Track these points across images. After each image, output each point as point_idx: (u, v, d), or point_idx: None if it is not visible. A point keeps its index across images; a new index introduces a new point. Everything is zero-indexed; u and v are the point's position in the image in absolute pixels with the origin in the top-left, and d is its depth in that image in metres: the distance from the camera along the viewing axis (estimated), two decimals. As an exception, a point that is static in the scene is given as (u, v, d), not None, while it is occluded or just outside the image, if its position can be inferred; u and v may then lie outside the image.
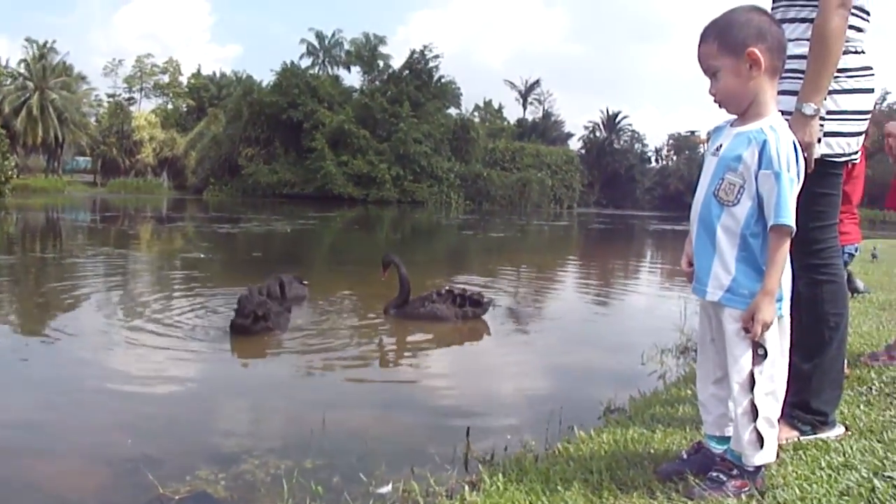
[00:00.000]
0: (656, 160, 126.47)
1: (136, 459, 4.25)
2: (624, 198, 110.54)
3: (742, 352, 2.93)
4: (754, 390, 2.91)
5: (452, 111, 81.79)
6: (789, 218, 2.80)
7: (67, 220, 31.48)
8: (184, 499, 3.76)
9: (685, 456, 3.30)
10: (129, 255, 16.98)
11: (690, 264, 3.18)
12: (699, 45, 3.03)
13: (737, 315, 2.93)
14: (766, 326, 2.83)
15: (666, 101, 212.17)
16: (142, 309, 8.91)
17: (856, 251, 6.13)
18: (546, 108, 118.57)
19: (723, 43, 2.95)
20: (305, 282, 10.14)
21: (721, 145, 3.04)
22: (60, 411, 5.31)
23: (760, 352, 2.89)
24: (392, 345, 7.92)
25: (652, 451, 3.62)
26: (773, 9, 3.74)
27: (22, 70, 77.63)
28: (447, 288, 9.09)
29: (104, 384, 5.97)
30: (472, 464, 4.14)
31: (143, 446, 4.57)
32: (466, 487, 3.43)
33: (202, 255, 17.14)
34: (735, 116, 3.06)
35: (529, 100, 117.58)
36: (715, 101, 3.05)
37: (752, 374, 2.91)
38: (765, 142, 2.86)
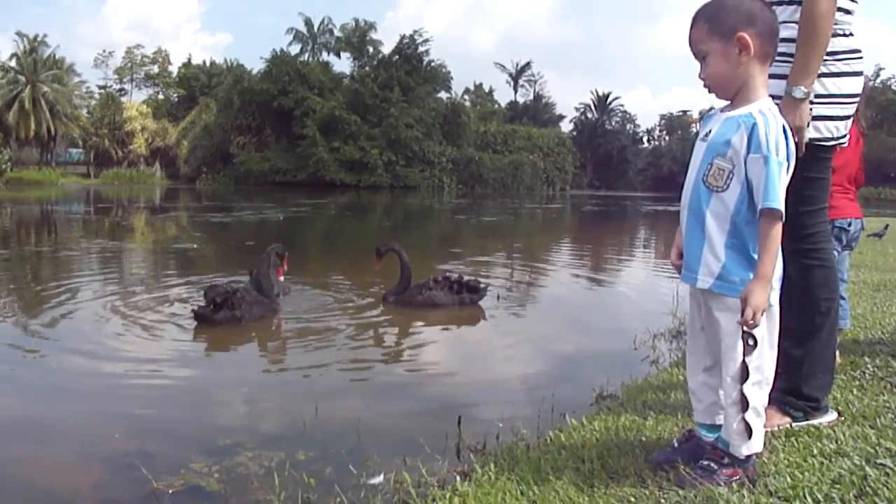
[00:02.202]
0: (648, 141, 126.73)
1: (130, 454, 4.22)
2: (616, 179, 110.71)
3: (733, 341, 2.91)
4: (746, 381, 2.90)
5: (443, 95, 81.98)
6: (778, 202, 2.78)
7: (61, 213, 31.43)
8: (177, 493, 3.74)
9: (676, 444, 3.29)
10: (122, 247, 16.94)
11: (681, 256, 3.16)
12: (690, 29, 3.01)
13: (727, 303, 2.92)
14: (759, 313, 2.81)
15: (658, 82, 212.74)
16: (134, 302, 8.88)
17: (849, 226, 5.71)
18: (537, 90, 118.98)
19: (713, 27, 2.93)
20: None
21: (710, 130, 3.02)
22: (53, 407, 5.28)
23: (751, 342, 2.87)
24: (387, 333, 7.88)
25: (643, 438, 3.62)
26: None
27: (13, 64, 77.64)
28: (445, 275, 9.07)
29: (97, 379, 5.95)
30: (464, 453, 4.12)
31: (136, 441, 4.55)
32: (458, 477, 3.43)
33: (195, 245, 17.11)
34: (726, 102, 3.05)
35: (520, 82, 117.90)
36: (704, 85, 3.03)
37: (744, 365, 2.89)
38: (754, 125, 2.84)
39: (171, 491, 3.75)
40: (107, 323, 7.68)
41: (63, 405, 5.34)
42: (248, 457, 4.18)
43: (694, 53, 3.03)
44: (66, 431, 4.83)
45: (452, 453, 4.17)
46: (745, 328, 2.85)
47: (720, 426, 3.08)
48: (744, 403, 2.91)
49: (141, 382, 5.86)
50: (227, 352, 7.06)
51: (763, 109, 2.90)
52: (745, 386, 2.90)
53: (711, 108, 3.15)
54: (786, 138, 2.87)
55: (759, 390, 2.95)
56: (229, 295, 7.61)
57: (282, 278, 9.41)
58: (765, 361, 2.96)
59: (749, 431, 2.94)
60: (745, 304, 2.80)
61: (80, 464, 4.30)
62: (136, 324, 7.61)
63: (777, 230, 2.83)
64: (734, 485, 2.94)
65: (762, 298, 2.80)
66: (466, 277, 9.06)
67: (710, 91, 3.05)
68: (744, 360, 2.90)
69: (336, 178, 69.45)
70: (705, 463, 3.04)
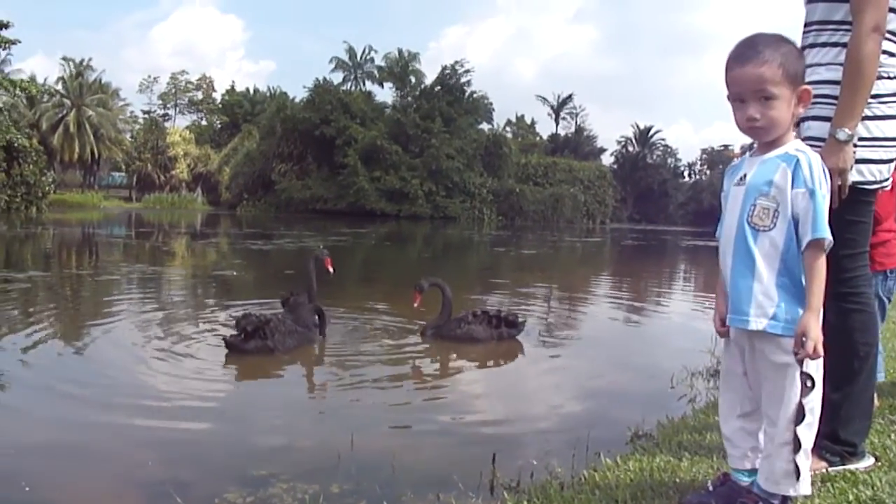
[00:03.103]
0: (689, 175, 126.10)
1: (165, 482, 4.25)
2: (657, 213, 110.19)
3: (789, 383, 2.88)
4: (801, 422, 2.87)
5: (485, 126, 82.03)
6: (826, 231, 2.78)
7: (103, 236, 31.75)
8: (211, 523, 3.77)
9: (711, 487, 3.26)
10: (162, 272, 17.12)
11: (724, 323, 3.13)
12: (756, 64, 2.91)
13: (782, 344, 2.88)
14: (819, 345, 2.79)
15: (699, 117, 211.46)
16: (172, 328, 8.97)
17: None
18: (578, 123, 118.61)
19: (786, 71, 2.89)
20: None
21: (745, 175, 3.02)
22: (90, 432, 5.33)
23: (809, 383, 2.85)
24: (423, 367, 7.88)
25: (678, 480, 3.60)
26: (804, 33, 3.72)
27: (59, 88, 78.60)
28: (483, 309, 9.07)
29: (133, 404, 5.98)
30: (498, 490, 4.10)
31: (170, 469, 4.59)
32: (491, 516, 3.43)
33: (234, 273, 17.23)
34: (750, 149, 3.04)
35: (562, 115, 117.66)
36: (753, 124, 2.95)
37: (800, 406, 2.86)
38: (797, 162, 2.84)
39: (205, 521, 3.77)
40: (142, 349, 7.74)
41: (97, 432, 5.37)
42: (283, 488, 4.19)
43: (751, 89, 2.92)
44: (100, 458, 4.88)
45: (486, 490, 4.16)
46: (802, 368, 2.84)
47: (756, 470, 3.06)
48: (796, 444, 2.88)
49: (175, 411, 5.89)
50: (263, 382, 7.11)
51: (799, 147, 2.92)
52: (799, 427, 2.87)
53: (753, 145, 3.12)
54: (824, 175, 2.88)
55: (810, 432, 2.92)
56: (261, 324, 7.62)
57: (330, 269, 9.55)
58: (817, 402, 2.94)
59: (797, 472, 2.91)
60: (802, 338, 2.79)
61: (115, 490, 4.35)
62: (172, 351, 7.69)
63: (823, 261, 2.84)
64: (768, 530, 2.91)
65: (818, 330, 2.79)
66: (504, 312, 9.05)
67: (753, 131, 2.98)
68: (800, 402, 2.86)
69: (376, 208, 69.62)
70: (739, 508, 3.01)
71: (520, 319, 9.06)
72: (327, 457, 4.77)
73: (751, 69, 2.91)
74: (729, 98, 3.02)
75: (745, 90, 2.94)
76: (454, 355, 8.21)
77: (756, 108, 2.93)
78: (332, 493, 4.13)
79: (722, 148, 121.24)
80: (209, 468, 4.72)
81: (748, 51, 2.94)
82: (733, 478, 3.17)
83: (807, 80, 3.17)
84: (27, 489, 4.16)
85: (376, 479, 4.35)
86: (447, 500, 3.85)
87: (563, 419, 5.91)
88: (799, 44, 3.45)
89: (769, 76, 2.89)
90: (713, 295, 3.35)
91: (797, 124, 3.52)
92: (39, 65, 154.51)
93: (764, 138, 3.00)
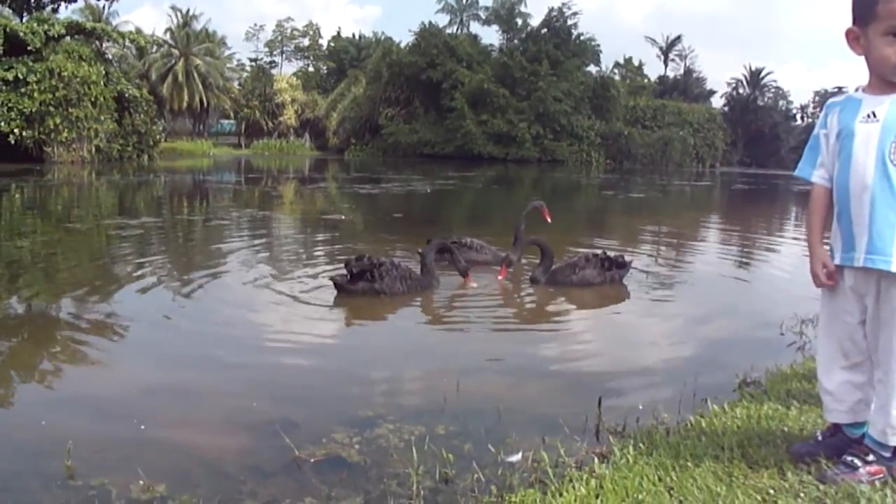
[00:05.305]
0: (802, 118, 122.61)
1: (274, 422, 4.36)
2: (768, 157, 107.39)
3: None
4: None
5: (592, 69, 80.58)
6: None
7: (213, 182, 32.26)
8: (319, 462, 3.85)
9: (820, 437, 3.22)
10: (271, 217, 17.37)
11: (831, 276, 3.07)
12: None
13: None
14: None
15: (812, 56, 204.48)
16: (282, 271, 9.16)
17: None
18: (687, 64, 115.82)
19: None
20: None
21: (873, 112, 2.89)
22: (200, 372, 5.53)
23: None
24: (531, 311, 7.92)
25: (786, 429, 3.57)
26: None
27: (167, 38, 79.62)
28: (593, 252, 9.02)
29: (243, 346, 6.17)
30: (603, 435, 4.12)
31: (279, 409, 4.71)
32: (596, 459, 3.44)
33: (343, 217, 17.38)
34: (858, 88, 2.95)
35: (671, 56, 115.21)
36: None
37: None
38: None
39: (312, 460, 3.86)
40: (252, 291, 7.94)
41: (208, 371, 5.57)
42: (389, 429, 4.27)
43: None
44: (211, 397, 5.03)
45: (591, 434, 4.18)
46: None
47: (864, 423, 3.00)
48: None
49: (283, 352, 6.05)
50: (371, 324, 7.19)
51: None
52: None
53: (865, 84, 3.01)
54: None
55: None
56: (370, 266, 7.72)
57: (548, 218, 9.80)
58: None
59: None
60: None
61: (225, 429, 4.48)
62: (281, 293, 7.88)
63: None
64: (877, 483, 2.87)
65: None
66: (610, 253, 9.02)
67: None
68: None
69: (484, 151, 69.06)
70: (849, 459, 2.97)
71: (627, 259, 9.03)
72: (433, 399, 4.83)
73: None
74: (874, 31, 2.88)
75: None
76: (562, 300, 8.19)
77: None
78: (437, 434, 4.19)
79: (836, 90, 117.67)
80: (316, 408, 4.82)
81: None
82: (843, 429, 3.12)
83: None
84: (142, 427, 4.31)
85: (482, 421, 4.40)
86: (553, 443, 3.86)
87: (670, 364, 5.88)
88: None
89: None
90: (827, 240, 3.24)
91: None
92: (147, 16, 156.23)
93: None
